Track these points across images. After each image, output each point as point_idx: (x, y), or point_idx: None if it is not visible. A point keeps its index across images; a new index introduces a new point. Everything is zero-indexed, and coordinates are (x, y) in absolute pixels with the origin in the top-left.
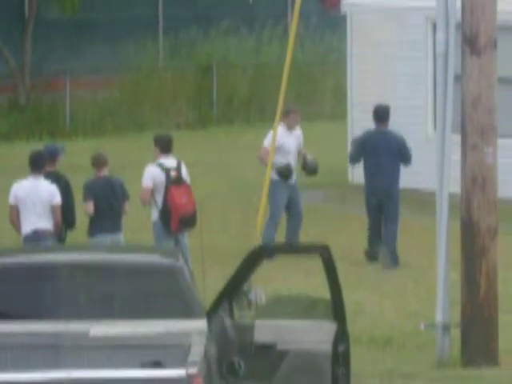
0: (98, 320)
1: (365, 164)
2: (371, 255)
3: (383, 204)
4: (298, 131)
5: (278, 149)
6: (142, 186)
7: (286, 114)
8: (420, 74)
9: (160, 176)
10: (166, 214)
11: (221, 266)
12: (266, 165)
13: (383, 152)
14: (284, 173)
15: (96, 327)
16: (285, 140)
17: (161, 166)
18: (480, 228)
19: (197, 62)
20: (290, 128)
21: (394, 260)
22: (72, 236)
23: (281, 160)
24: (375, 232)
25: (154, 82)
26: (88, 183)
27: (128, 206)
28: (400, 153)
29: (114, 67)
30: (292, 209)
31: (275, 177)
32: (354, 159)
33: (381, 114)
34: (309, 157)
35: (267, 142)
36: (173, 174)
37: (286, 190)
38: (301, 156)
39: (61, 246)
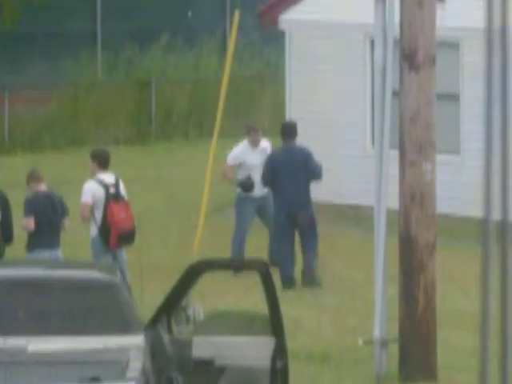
0: (36, 336)
1: (275, 181)
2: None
3: (296, 221)
4: (263, 146)
5: (241, 165)
6: (81, 201)
7: (247, 132)
8: (358, 90)
9: (99, 192)
10: (105, 229)
11: (159, 281)
12: (229, 180)
13: (291, 168)
14: (245, 185)
15: (34, 343)
16: (246, 157)
17: (100, 181)
18: (418, 243)
19: (135, 77)
20: (253, 145)
21: (313, 279)
22: (10, 251)
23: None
24: (286, 247)
25: (92, 98)
26: (29, 198)
27: (68, 222)
28: (306, 167)
29: (53, 82)
30: (265, 220)
31: (240, 191)
32: (267, 179)
33: (287, 131)
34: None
35: (230, 157)
36: (111, 190)
37: (253, 204)
38: None
39: None
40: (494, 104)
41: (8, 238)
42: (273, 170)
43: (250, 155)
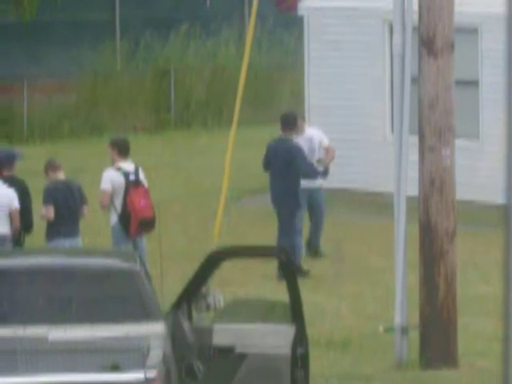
0: (56, 324)
1: (270, 170)
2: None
3: (279, 213)
4: (309, 134)
5: None
6: (101, 189)
7: None
8: (377, 77)
9: (119, 180)
10: (125, 217)
11: (179, 269)
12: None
13: (279, 160)
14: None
15: (54, 332)
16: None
17: (119, 169)
18: (438, 230)
19: (154, 65)
20: (299, 132)
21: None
22: (30, 240)
23: None
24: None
25: (111, 86)
26: (48, 187)
27: (86, 210)
28: (293, 162)
29: (71, 71)
30: (313, 213)
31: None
32: (264, 166)
33: (284, 122)
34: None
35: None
36: (131, 177)
37: (305, 198)
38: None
39: (19, 250)
40: None
41: (28, 226)
42: (267, 159)
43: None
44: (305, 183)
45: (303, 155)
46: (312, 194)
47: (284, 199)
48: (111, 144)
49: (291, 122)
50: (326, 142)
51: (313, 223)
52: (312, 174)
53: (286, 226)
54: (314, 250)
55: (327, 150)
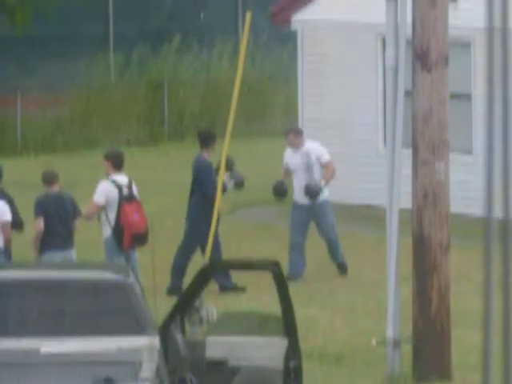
0: (49, 337)
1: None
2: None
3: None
4: (306, 148)
5: (287, 170)
6: (93, 200)
7: (285, 134)
8: (370, 90)
9: (113, 193)
10: (118, 230)
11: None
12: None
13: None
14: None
15: (47, 344)
16: (288, 160)
17: (114, 182)
18: (431, 243)
19: (148, 78)
20: (292, 147)
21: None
22: (22, 253)
23: (294, 181)
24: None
25: (104, 99)
26: (39, 199)
27: (79, 223)
28: (195, 181)
29: (65, 84)
30: (321, 229)
31: (294, 198)
32: None
33: (198, 139)
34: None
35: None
36: (125, 191)
37: (302, 211)
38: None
39: (11, 263)
40: (496, 104)
41: (18, 225)
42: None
43: (291, 158)
44: (302, 198)
45: (204, 174)
46: (315, 209)
47: (187, 215)
48: (106, 157)
49: (204, 138)
50: (325, 157)
51: (325, 240)
52: (209, 194)
53: (182, 244)
54: (339, 267)
55: (326, 167)
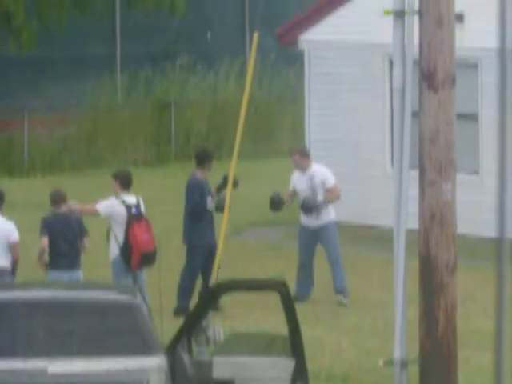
0: (56, 357)
1: None
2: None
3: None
4: (311, 170)
5: (292, 192)
6: (94, 204)
7: (290, 155)
8: (377, 110)
9: (121, 211)
10: (126, 250)
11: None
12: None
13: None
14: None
15: (54, 364)
16: (295, 182)
17: (123, 202)
18: (438, 264)
19: (154, 99)
20: (298, 169)
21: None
22: (30, 272)
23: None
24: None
25: (111, 119)
26: (45, 218)
27: (87, 242)
28: (186, 198)
29: (72, 104)
30: (326, 252)
31: (300, 220)
32: None
33: (195, 158)
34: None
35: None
36: (134, 210)
37: (307, 232)
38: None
39: (19, 283)
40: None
41: None
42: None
43: (298, 180)
44: (306, 220)
45: (188, 191)
46: (318, 231)
47: (185, 239)
48: (114, 176)
49: (198, 158)
50: (330, 182)
51: (329, 263)
52: (193, 210)
53: (186, 264)
54: (337, 293)
55: (330, 191)
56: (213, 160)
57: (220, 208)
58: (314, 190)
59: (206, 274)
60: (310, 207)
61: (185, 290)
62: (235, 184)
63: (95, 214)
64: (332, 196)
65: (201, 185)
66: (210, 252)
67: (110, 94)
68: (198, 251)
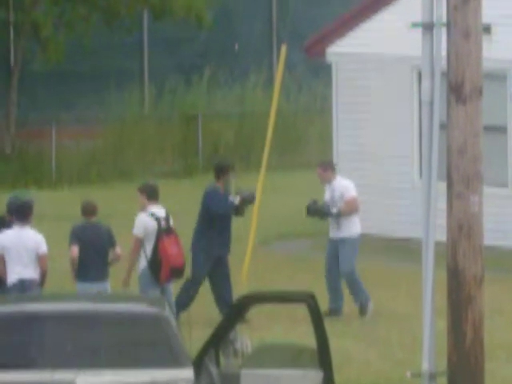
0: (84, 369)
1: None
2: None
3: None
4: (335, 184)
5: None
6: (134, 234)
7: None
8: (405, 123)
9: (151, 225)
10: (155, 263)
11: (207, 315)
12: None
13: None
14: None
15: (82, 376)
16: (325, 195)
17: (152, 215)
18: (466, 276)
19: (182, 110)
20: (322, 181)
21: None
22: (58, 284)
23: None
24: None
25: (138, 131)
26: (74, 228)
27: (120, 252)
28: (202, 208)
29: (99, 117)
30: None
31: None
32: None
33: (214, 171)
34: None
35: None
36: (163, 223)
37: (335, 246)
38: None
39: (47, 295)
40: None
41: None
42: None
43: (326, 192)
44: (330, 231)
45: (208, 198)
46: (338, 242)
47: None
48: (140, 190)
49: (216, 171)
50: (349, 195)
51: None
52: (221, 213)
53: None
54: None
55: (346, 204)
56: (229, 173)
57: (241, 211)
58: (333, 203)
59: (218, 285)
60: (313, 211)
61: (181, 302)
62: (251, 199)
63: (141, 241)
64: (346, 208)
65: (219, 191)
66: (221, 263)
67: (137, 106)
68: (202, 261)
